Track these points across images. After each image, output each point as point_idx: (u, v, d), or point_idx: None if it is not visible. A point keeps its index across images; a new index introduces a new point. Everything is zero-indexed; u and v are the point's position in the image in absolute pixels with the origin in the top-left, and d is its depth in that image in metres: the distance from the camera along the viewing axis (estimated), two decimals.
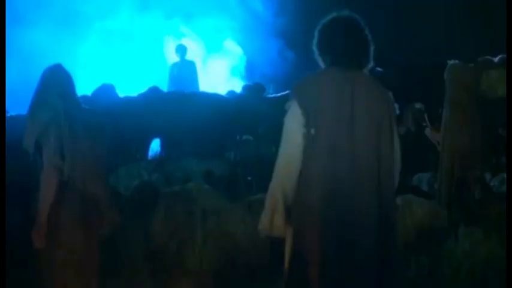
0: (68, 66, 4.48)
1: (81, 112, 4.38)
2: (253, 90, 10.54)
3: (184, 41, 13.39)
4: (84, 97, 9.39)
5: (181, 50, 12.41)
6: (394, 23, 13.52)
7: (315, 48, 3.40)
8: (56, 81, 4.32)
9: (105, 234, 4.40)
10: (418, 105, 8.88)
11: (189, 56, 12.48)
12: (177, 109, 9.75)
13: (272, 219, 3.28)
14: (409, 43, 13.28)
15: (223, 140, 10.26)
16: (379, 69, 9.20)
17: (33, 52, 12.14)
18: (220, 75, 14.12)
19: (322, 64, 3.40)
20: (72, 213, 4.21)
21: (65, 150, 4.15)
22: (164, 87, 11.60)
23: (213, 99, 10.27)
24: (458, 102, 7.05)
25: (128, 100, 10.30)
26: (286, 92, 8.99)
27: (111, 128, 6.88)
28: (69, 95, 4.36)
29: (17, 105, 9.48)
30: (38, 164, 4.23)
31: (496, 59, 8.84)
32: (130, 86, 12.18)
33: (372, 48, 3.38)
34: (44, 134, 4.15)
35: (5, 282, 4.59)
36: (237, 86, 12.54)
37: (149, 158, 9.92)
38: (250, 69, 14.31)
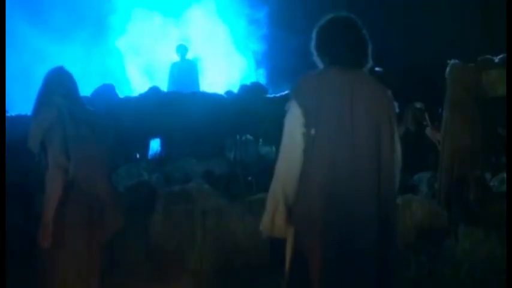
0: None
1: (85, 113, 4.41)
2: (253, 90, 10.53)
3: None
4: (84, 97, 9.41)
5: (182, 49, 12.41)
6: (394, 23, 13.52)
7: (313, 49, 3.40)
8: (59, 82, 4.36)
9: (108, 238, 4.42)
10: (418, 105, 8.88)
11: None
12: (177, 109, 9.76)
13: (273, 219, 3.28)
14: (409, 43, 13.28)
15: (223, 140, 10.26)
16: (379, 69, 9.19)
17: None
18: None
19: (320, 65, 3.39)
20: (77, 214, 4.22)
21: (69, 150, 4.17)
22: None
23: (213, 99, 10.27)
24: (459, 102, 7.05)
25: (128, 100, 10.30)
26: (286, 92, 8.99)
27: (114, 129, 6.92)
28: (73, 96, 4.39)
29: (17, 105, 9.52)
30: (42, 165, 4.24)
31: (496, 59, 8.83)
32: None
33: (370, 47, 3.38)
34: (49, 134, 4.17)
35: (5, 282, 4.59)
36: None
37: (149, 158, 9.93)
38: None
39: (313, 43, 3.40)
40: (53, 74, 4.41)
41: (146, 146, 10.17)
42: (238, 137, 10.17)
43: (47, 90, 4.33)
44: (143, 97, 10.25)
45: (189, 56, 12.64)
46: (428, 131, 8.24)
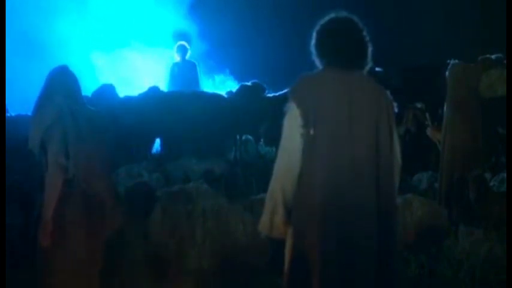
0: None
1: (86, 112, 4.41)
2: (253, 90, 10.51)
3: None
4: (84, 97, 9.41)
5: (182, 50, 12.40)
6: (394, 23, 13.52)
7: (312, 48, 3.40)
8: (62, 82, 4.37)
9: (107, 236, 4.42)
10: (418, 105, 8.89)
11: None
12: (177, 109, 9.75)
13: (272, 220, 3.28)
14: (409, 43, 13.28)
15: (223, 139, 10.26)
16: (379, 69, 9.19)
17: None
18: None
19: (319, 65, 3.39)
20: (76, 213, 4.23)
21: (69, 149, 4.18)
22: None
23: (213, 99, 10.26)
24: (460, 102, 7.05)
25: (128, 100, 10.30)
26: (286, 90, 8.96)
27: (113, 128, 6.92)
28: (75, 96, 4.40)
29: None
30: (42, 164, 4.25)
31: (493, 57, 8.82)
32: None
33: (370, 49, 3.37)
34: (49, 133, 4.18)
35: (5, 282, 4.59)
36: None
37: (149, 157, 9.93)
38: None
39: (312, 42, 3.40)
40: (56, 73, 4.41)
41: (146, 146, 10.17)
42: (238, 137, 10.16)
43: (49, 89, 4.34)
44: (143, 97, 10.24)
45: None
46: (428, 130, 8.25)
